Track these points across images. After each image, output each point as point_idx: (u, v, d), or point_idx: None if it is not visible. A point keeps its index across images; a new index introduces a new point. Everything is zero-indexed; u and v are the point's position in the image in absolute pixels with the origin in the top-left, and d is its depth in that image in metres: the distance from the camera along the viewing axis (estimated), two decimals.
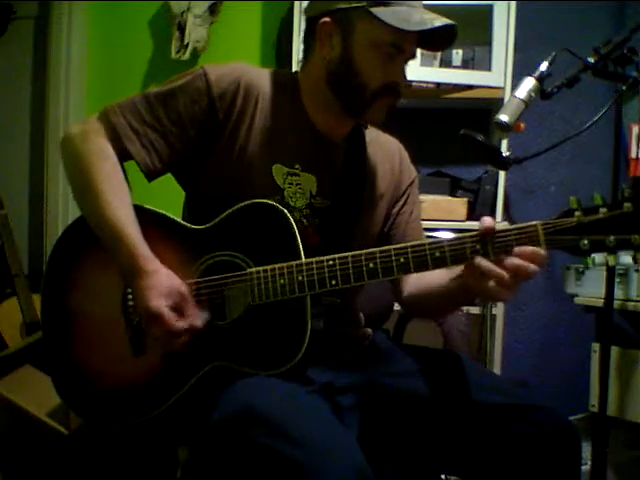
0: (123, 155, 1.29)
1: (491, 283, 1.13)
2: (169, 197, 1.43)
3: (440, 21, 1.25)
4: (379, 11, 1.24)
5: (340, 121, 1.38)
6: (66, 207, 2.89)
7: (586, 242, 1.10)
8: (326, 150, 1.38)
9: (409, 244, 1.19)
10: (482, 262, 1.13)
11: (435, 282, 1.35)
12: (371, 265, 1.19)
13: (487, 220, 1.14)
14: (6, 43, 2.99)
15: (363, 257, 1.20)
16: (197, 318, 1.19)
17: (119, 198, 1.25)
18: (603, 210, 1.09)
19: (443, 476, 1.78)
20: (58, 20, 2.90)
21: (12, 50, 3.02)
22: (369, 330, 1.48)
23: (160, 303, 1.16)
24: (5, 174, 2.99)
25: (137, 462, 1.80)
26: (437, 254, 1.17)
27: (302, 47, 1.39)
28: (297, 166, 1.33)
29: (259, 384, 1.19)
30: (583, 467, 1.33)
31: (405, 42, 1.28)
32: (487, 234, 1.14)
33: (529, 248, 1.11)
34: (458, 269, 1.22)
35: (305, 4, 1.39)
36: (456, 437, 1.29)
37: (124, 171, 1.30)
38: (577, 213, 1.10)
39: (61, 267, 1.36)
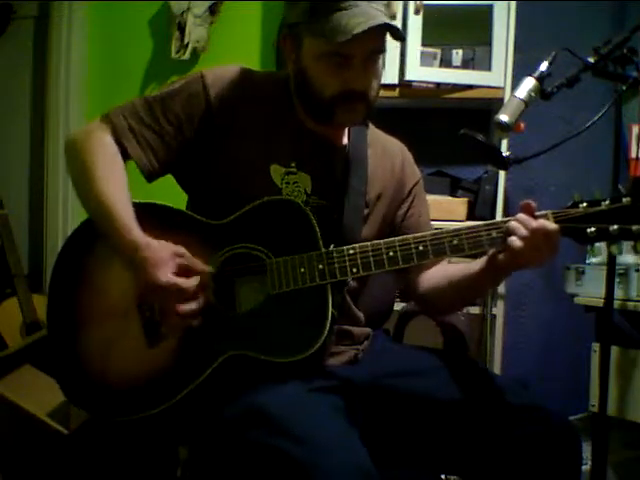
0: (123, 154, 1.32)
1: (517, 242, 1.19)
2: (170, 197, 1.42)
3: (367, 24, 1.19)
4: (313, 28, 1.24)
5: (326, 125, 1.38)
6: (66, 207, 2.89)
7: (593, 229, 1.20)
8: (322, 150, 1.38)
9: (427, 233, 1.25)
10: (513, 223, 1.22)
11: (458, 270, 1.38)
12: (391, 253, 1.25)
13: (530, 201, 1.26)
14: (6, 43, 3.00)
15: (383, 246, 1.25)
16: (202, 266, 1.23)
17: (113, 183, 1.27)
18: (605, 203, 1.20)
19: (443, 476, 1.78)
20: (58, 20, 2.90)
21: (12, 50, 3.02)
22: (369, 330, 1.48)
23: (167, 273, 1.18)
24: (5, 174, 3.00)
25: (137, 461, 1.80)
26: (455, 242, 1.23)
27: None
28: (293, 164, 1.34)
29: (263, 384, 1.19)
30: (583, 467, 1.33)
31: (349, 48, 1.24)
32: (524, 210, 1.23)
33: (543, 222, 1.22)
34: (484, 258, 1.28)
35: None
36: (456, 437, 1.29)
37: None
38: (583, 205, 1.21)
39: (70, 265, 1.36)
